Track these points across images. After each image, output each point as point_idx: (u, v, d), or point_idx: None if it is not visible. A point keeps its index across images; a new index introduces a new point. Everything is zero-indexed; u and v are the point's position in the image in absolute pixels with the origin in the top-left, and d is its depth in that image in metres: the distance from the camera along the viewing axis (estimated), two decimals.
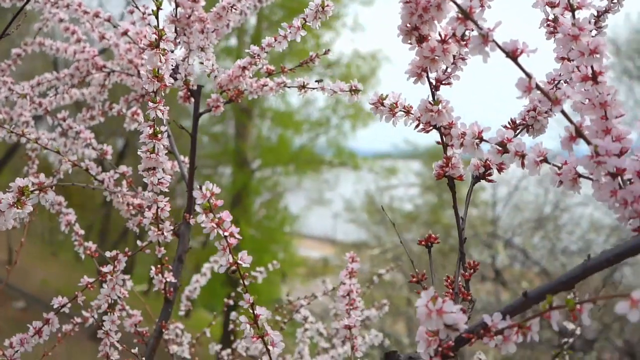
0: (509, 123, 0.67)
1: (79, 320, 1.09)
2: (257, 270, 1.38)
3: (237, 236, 0.61)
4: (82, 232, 1.08)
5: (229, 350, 1.37)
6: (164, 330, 0.96)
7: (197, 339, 1.29)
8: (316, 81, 0.92)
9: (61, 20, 1.17)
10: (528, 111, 0.66)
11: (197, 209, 0.60)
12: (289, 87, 0.96)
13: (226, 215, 0.61)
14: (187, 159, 1.07)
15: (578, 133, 0.51)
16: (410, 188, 10.52)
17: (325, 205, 12.12)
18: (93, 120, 1.17)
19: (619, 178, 0.50)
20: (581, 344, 5.79)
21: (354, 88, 0.80)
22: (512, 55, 0.50)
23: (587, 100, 0.54)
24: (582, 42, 0.52)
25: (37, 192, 0.65)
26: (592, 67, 0.52)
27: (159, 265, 0.94)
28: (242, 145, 11.15)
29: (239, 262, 0.62)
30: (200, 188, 0.60)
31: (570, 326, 1.11)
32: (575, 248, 6.79)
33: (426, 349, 0.52)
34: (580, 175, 0.53)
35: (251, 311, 0.63)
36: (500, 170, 0.65)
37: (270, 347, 0.63)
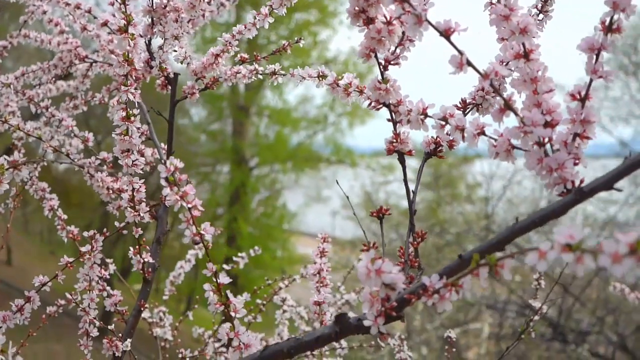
0: (459, 102, 0.71)
1: (62, 302, 1.13)
2: (239, 255, 1.42)
3: (200, 208, 0.65)
4: (65, 216, 1.11)
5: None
6: (142, 308, 1.00)
7: (180, 322, 1.33)
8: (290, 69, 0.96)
9: (44, 12, 1.21)
10: (477, 91, 0.70)
11: (162, 182, 0.64)
12: (261, 74, 0.99)
13: (190, 189, 0.65)
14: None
15: (507, 106, 0.55)
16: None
17: (323, 203, 12.16)
18: (76, 109, 1.21)
19: (545, 147, 0.54)
20: (574, 336, 5.84)
21: (321, 74, 0.83)
22: (445, 34, 0.53)
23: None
24: (513, 21, 0.55)
25: (11, 169, 0.69)
26: (523, 44, 0.56)
27: (137, 247, 0.98)
28: (239, 143, 11.19)
29: (202, 232, 0.65)
30: (165, 163, 0.64)
31: (536, 304, 1.14)
32: None
33: (370, 308, 0.56)
34: (513, 147, 0.57)
35: (214, 280, 0.67)
36: (451, 147, 0.69)
37: (232, 314, 0.67)
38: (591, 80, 0.55)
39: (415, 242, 0.64)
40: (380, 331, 0.58)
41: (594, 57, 0.55)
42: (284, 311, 1.31)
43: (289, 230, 11.67)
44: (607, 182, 0.50)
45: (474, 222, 7.42)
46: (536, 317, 1.11)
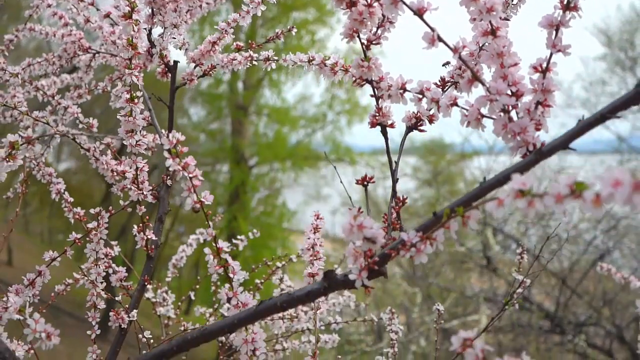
0: (439, 80, 0.77)
1: (70, 281, 1.19)
2: (238, 238, 1.48)
3: (200, 178, 0.71)
4: (71, 199, 1.17)
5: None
6: (146, 283, 1.06)
7: (182, 302, 1.39)
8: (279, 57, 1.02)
9: (49, 6, 1.27)
10: (455, 69, 0.76)
11: (165, 153, 0.70)
12: (255, 60, 1.05)
13: (191, 160, 0.71)
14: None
15: (475, 77, 0.61)
16: (407, 182, 10.63)
17: (322, 201, 12.21)
18: (80, 98, 1.27)
19: (510, 114, 0.60)
20: (571, 327, 5.91)
21: (311, 59, 0.89)
22: (419, 12, 0.59)
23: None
24: (480, 2, 0.61)
25: (25, 144, 0.75)
26: (490, 23, 0.62)
27: (140, 224, 1.04)
28: (239, 143, 11.24)
29: (202, 200, 0.71)
30: (168, 137, 0.70)
31: (519, 277, 1.20)
32: (565, 235, 6.91)
33: (354, 262, 0.62)
34: (482, 115, 0.63)
35: (214, 244, 0.73)
36: (430, 121, 0.75)
37: (231, 275, 0.73)
38: (551, 54, 0.61)
39: (397, 207, 0.70)
40: (365, 284, 0.63)
41: (554, 32, 0.60)
42: (282, 290, 1.37)
43: (289, 228, 11.71)
44: (563, 143, 0.56)
45: None
46: (519, 290, 1.17)
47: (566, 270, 6.57)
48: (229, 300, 0.72)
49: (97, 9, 1.16)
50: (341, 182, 1.03)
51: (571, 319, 6.01)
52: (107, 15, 1.13)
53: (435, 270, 7.28)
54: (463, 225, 0.54)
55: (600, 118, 0.54)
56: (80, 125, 1.17)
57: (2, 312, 0.72)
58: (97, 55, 1.26)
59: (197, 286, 1.51)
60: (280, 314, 1.23)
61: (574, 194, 0.42)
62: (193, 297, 1.44)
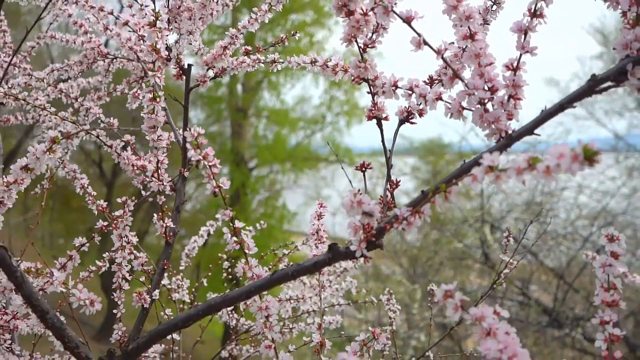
0: (427, 79, 0.87)
1: (93, 268, 1.29)
2: (247, 229, 1.58)
3: (218, 166, 0.82)
4: (94, 193, 1.28)
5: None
6: (165, 267, 1.16)
7: (196, 287, 1.49)
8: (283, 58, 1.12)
9: (70, 15, 1.37)
10: (441, 69, 0.86)
11: (188, 145, 0.80)
12: (262, 62, 1.16)
13: (210, 150, 0.81)
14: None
15: (455, 75, 0.71)
16: (406, 182, 10.74)
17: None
18: (100, 100, 1.37)
19: (486, 106, 0.70)
20: (569, 322, 6.01)
21: (313, 60, 1.00)
22: (407, 20, 0.70)
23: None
24: (460, 10, 0.72)
25: (64, 139, 0.85)
26: (469, 28, 0.72)
27: (160, 213, 1.14)
28: (238, 145, 11.34)
29: (220, 185, 0.82)
30: (190, 129, 0.80)
31: (505, 258, 1.30)
32: (563, 232, 7.01)
33: (354, 235, 0.72)
34: (463, 107, 0.74)
35: (231, 225, 0.83)
36: (420, 114, 0.85)
37: (246, 251, 0.83)
38: (520, 55, 0.71)
39: (391, 189, 0.80)
40: (364, 254, 0.74)
41: (522, 36, 0.71)
42: None
43: (289, 230, 11.80)
44: (529, 130, 0.66)
45: (469, 215, 7.58)
46: (506, 271, 1.27)
47: (563, 266, 6.67)
48: (244, 274, 0.82)
49: (117, 18, 1.26)
50: (349, 180, 1.14)
51: (569, 314, 6.12)
52: (126, 23, 1.24)
53: (434, 268, 7.38)
54: (445, 199, 0.65)
55: (559, 108, 0.64)
56: (102, 125, 1.27)
57: (48, 285, 0.83)
58: (114, 60, 1.37)
59: (210, 274, 1.62)
60: (288, 297, 1.33)
61: (530, 167, 0.53)
62: (205, 284, 1.54)
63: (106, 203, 1.23)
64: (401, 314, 7.10)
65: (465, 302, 0.59)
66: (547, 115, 0.65)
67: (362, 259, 0.75)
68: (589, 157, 0.47)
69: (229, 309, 1.52)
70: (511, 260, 1.28)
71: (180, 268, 1.56)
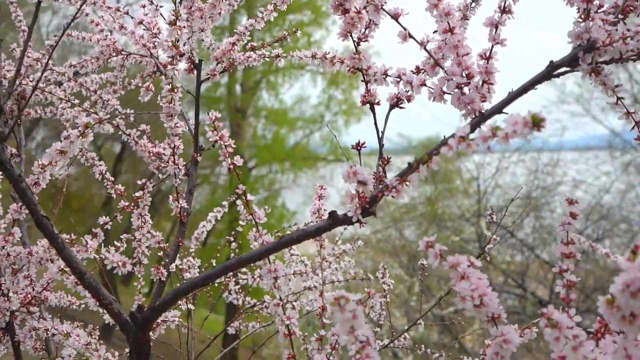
0: (415, 68, 0.99)
1: (118, 244, 1.40)
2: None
3: (233, 145, 0.93)
4: (112, 178, 1.39)
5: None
6: (180, 244, 1.28)
7: (206, 267, 1.61)
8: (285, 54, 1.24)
9: (87, 15, 1.49)
10: (426, 59, 0.98)
11: (206, 128, 0.91)
12: (267, 58, 1.27)
13: (225, 132, 0.93)
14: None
15: (436, 63, 0.83)
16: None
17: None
18: (115, 93, 1.48)
19: (463, 90, 0.82)
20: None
21: (313, 54, 1.11)
22: (395, 16, 0.81)
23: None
24: (440, 7, 0.83)
25: (97, 124, 0.97)
26: (448, 23, 0.84)
27: (175, 195, 1.26)
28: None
29: (234, 162, 0.93)
30: (208, 114, 0.92)
31: (488, 234, 1.42)
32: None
33: (350, 203, 0.84)
34: (444, 92, 0.85)
35: (244, 197, 0.95)
36: (408, 100, 0.97)
37: (257, 220, 0.95)
38: (492, 46, 0.83)
39: (382, 165, 0.92)
40: (359, 220, 0.85)
41: (494, 29, 0.83)
42: (292, 254, 1.58)
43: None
44: (498, 109, 0.78)
45: (467, 210, 7.71)
46: (490, 246, 1.38)
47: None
48: (255, 239, 0.94)
49: (132, 17, 1.38)
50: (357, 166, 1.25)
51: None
52: (140, 22, 1.35)
53: None
54: (428, 168, 0.76)
55: (523, 90, 0.76)
56: (119, 116, 1.38)
57: (83, 252, 0.94)
58: (129, 56, 1.48)
59: (218, 254, 1.73)
60: (292, 271, 1.45)
61: (493, 134, 0.64)
62: (214, 264, 1.66)
63: (123, 188, 1.35)
64: (400, 308, 7.22)
65: (443, 251, 0.71)
66: (513, 96, 0.77)
67: (359, 244, 0.87)
68: (536, 123, 0.59)
69: (236, 287, 1.64)
70: (494, 237, 1.40)
71: (190, 250, 1.68)
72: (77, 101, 1.25)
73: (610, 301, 0.57)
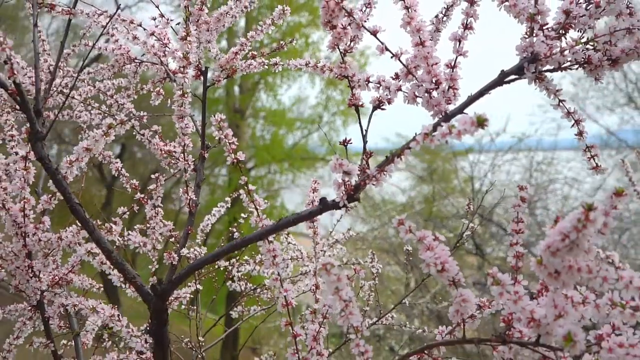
0: (394, 74, 1.14)
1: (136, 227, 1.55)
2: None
3: (236, 143, 1.08)
4: (127, 174, 1.54)
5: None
6: (189, 232, 1.43)
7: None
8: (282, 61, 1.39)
9: (103, 27, 1.64)
10: (402, 68, 1.13)
11: (213, 127, 1.07)
12: (266, 65, 1.43)
13: (230, 131, 1.08)
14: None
15: (409, 72, 0.98)
16: (403, 181, 11.02)
17: None
18: (129, 97, 1.64)
19: (432, 94, 0.98)
20: None
21: (307, 63, 1.26)
22: (373, 33, 0.97)
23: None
24: (412, 24, 0.99)
25: (119, 125, 1.12)
26: (419, 37, 0.99)
27: (184, 187, 1.41)
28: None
29: (238, 157, 1.09)
30: (214, 115, 1.07)
31: (465, 221, 1.57)
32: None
33: (338, 189, 0.99)
34: (416, 96, 1.01)
35: (246, 187, 1.10)
36: (389, 102, 1.12)
37: (257, 207, 1.10)
38: (456, 57, 0.98)
39: (366, 157, 1.08)
40: (345, 205, 1.00)
41: (457, 42, 0.98)
42: (288, 243, 1.73)
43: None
44: (460, 110, 0.93)
45: (462, 208, 7.86)
46: (466, 234, 1.53)
47: None
48: (257, 223, 1.09)
49: (144, 29, 1.53)
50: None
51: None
52: (152, 34, 1.50)
53: None
54: (402, 160, 0.91)
55: (479, 94, 0.91)
56: (133, 118, 1.54)
57: (108, 234, 1.09)
58: (141, 64, 1.64)
59: (222, 241, 1.87)
60: (289, 256, 1.60)
61: (450, 131, 0.79)
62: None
63: (137, 182, 1.50)
64: (402, 312, 7.37)
65: (413, 227, 0.86)
66: (471, 100, 0.92)
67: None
68: (480, 123, 0.74)
69: (240, 273, 1.80)
70: (472, 225, 1.55)
71: (197, 241, 1.83)
72: (96, 104, 1.40)
73: (539, 261, 0.73)
